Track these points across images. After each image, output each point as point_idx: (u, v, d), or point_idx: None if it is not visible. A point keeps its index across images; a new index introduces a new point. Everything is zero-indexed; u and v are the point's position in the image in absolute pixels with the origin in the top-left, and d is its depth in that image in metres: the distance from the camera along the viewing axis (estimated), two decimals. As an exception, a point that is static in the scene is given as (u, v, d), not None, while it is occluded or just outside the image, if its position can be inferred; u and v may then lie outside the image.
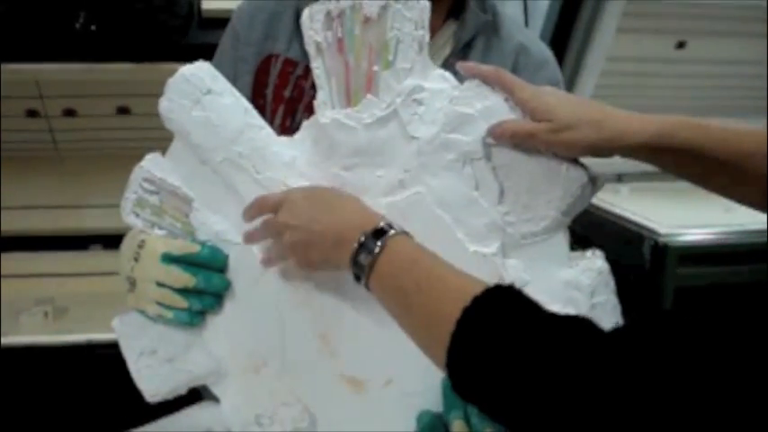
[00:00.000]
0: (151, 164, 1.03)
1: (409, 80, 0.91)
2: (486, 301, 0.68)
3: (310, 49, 0.94)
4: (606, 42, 2.14)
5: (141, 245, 1.01)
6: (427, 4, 0.91)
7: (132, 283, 1.01)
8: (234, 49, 1.12)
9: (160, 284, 0.99)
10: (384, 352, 0.93)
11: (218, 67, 1.12)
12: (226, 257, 1.00)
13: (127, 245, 1.04)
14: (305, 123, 0.98)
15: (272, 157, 0.97)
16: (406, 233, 0.80)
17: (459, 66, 0.90)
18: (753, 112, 2.35)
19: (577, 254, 0.88)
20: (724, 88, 2.42)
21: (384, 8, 0.91)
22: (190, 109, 0.98)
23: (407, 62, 0.91)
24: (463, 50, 1.06)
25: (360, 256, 0.80)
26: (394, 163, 0.91)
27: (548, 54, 1.12)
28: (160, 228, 1.03)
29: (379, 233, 0.80)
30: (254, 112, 1.00)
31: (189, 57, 1.96)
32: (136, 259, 1.00)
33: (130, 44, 1.92)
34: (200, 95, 0.98)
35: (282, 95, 1.08)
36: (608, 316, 0.86)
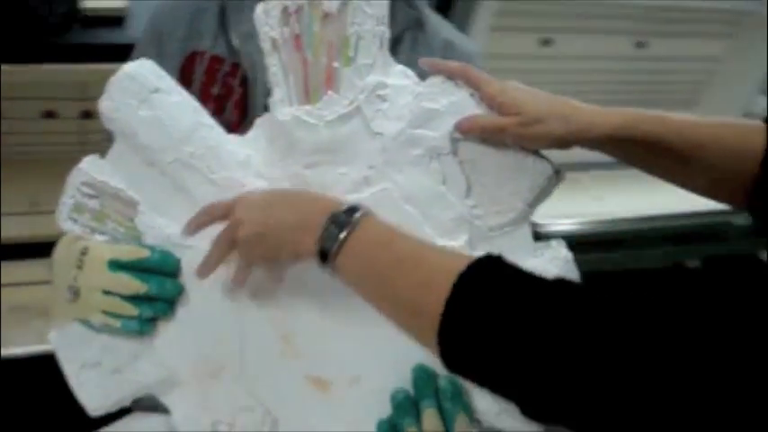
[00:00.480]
0: (90, 166, 0.98)
1: (372, 76, 0.91)
2: (475, 272, 0.70)
3: (265, 45, 0.93)
4: (481, 41, 2.21)
5: (84, 251, 0.96)
6: (386, 2, 0.91)
7: (75, 293, 0.96)
8: (155, 47, 1.10)
9: (107, 293, 0.95)
10: (350, 350, 0.93)
11: None
12: (178, 261, 0.96)
13: (64, 252, 0.99)
14: (258, 121, 0.97)
15: (226, 156, 0.94)
16: (371, 214, 0.79)
17: (423, 62, 0.91)
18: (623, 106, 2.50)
19: (542, 244, 0.91)
20: (593, 83, 2.55)
21: (344, 4, 0.91)
22: (136, 108, 0.94)
23: (369, 58, 0.91)
24: (391, 47, 1.07)
25: (326, 235, 0.78)
26: (357, 160, 0.91)
27: (472, 48, 1.15)
28: (101, 233, 0.98)
29: (349, 212, 0.78)
30: (204, 111, 0.97)
31: (70, 57, 1.88)
32: (79, 267, 0.95)
33: (5, 44, 1.81)
34: (147, 94, 0.94)
35: (210, 93, 1.07)
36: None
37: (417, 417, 0.87)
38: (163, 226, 0.97)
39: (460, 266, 0.70)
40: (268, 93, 1.03)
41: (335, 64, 0.92)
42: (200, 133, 0.95)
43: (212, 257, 0.91)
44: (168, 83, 0.96)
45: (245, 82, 1.07)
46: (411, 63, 1.05)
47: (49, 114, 2.15)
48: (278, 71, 0.93)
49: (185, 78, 1.08)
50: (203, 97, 1.07)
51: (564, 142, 0.86)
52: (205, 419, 0.97)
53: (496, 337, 0.67)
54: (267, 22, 0.92)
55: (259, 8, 0.93)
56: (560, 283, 0.69)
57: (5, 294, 2.03)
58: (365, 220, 0.78)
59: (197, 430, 0.98)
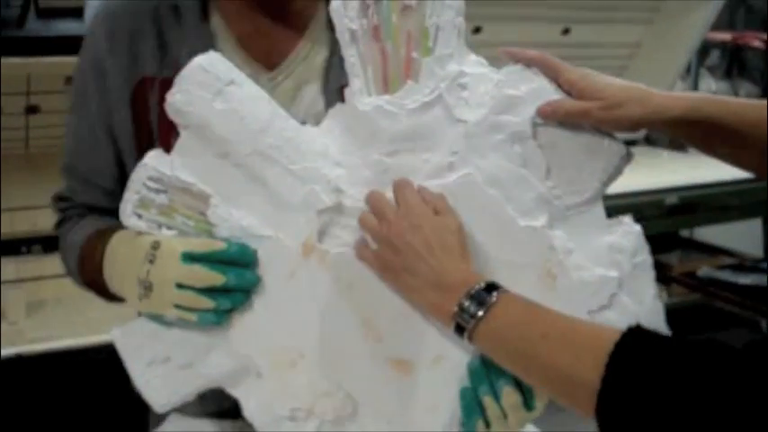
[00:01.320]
0: (156, 161, 0.98)
1: (452, 66, 0.94)
2: (628, 344, 0.75)
3: (343, 36, 0.95)
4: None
5: (156, 245, 0.95)
6: None
7: (147, 288, 0.95)
8: (97, 80, 1.07)
9: (180, 286, 0.94)
10: (432, 330, 0.96)
11: (84, 102, 1.08)
12: (255, 253, 0.97)
13: (128, 248, 0.98)
14: (331, 111, 0.99)
15: (303, 146, 0.96)
16: (511, 293, 0.86)
17: (504, 51, 0.95)
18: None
19: (614, 220, 0.97)
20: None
21: None
22: (210, 101, 0.94)
23: (449, 48, 0.94)
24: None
25: (464, 312, 0.84)
26: (440, 146, 0.94)
27: None
28: (169, 228, 0.98)
29: (488, 290, 0.84)
30: (276, 102, 0.98)
31: (27, 49, 1.82)
32: (151, 261, 0.95)
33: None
34: (222, 86, 0.95)
35: (170, 122, 1.03)
36: (646, 273, 0.96)
37: (492, 386, 0.92)
38: (238, 217, 0.97)
39: (610, 339, 0.75)
40: None
41: (414, 54, 0.94)
42: (277, 124, 0.96)
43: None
44: (240, 75, 0.97)
45: None
46: None
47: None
48: (356, 62, 0.95)
49: (140, 108, 1.05)
50: (162, 127, 1.04)
51: (639, 125, 0.92)
52: (282, 408, 0.98)
53: (658, 408, 0.71)
54: (345, 14, 0.94)
55: (336, 2, 0.95)
56: (710, 346, 0.73)
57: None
58: (503, 297, 0.84)
59: (273, 419, 0.99)
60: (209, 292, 0.95)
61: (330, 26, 1.06)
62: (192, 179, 0.97)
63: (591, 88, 0.91)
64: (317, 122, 1.01)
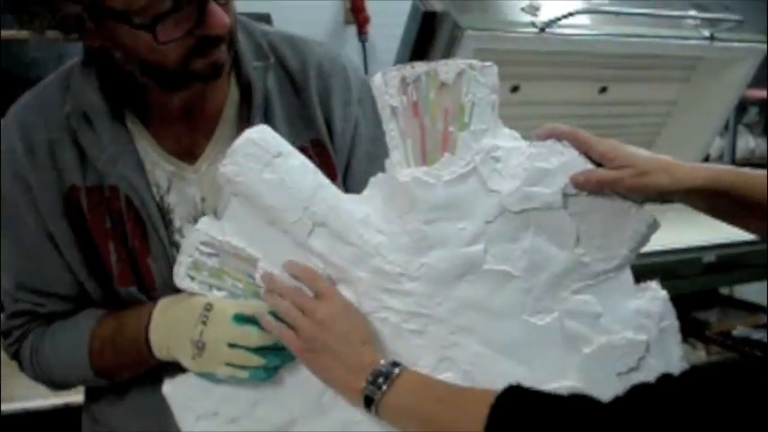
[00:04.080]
0: (208, 227, 1.04)
1: (486, 140, 1.00)
2: (507, 400, 0.85)
3: (384, 112, 1.01)
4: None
5: (209, 308, 1.01)
6: (496, 71, 1.01)
7: (200, 348, 1.01)
8: (25, 194, 1.06)
9: (232, 346, 1.00)
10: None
11: (17, 216, 1.07)
12: None
13: (182, 310, 1.05)
14: (372, 180, 1.04)
15: (345, 215, 1.02)
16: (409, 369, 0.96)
17: (537, 134, 1.00)
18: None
19: (641, 286, 1.01)
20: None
21: (459, 74, 1.00)
22: (260, 171, 1.01)
23: (484, 123, 1.00)
24: (261, 110, 1.09)
25: (368, 390, 0.94)
26: (475, 215, 0.99)
27: (343, 61, 1.17)
28: (219, 289, 1.04)
29: (386, 371, 0.95)
30: (320, 172, 1.04)
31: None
32: (204, 323, 1.01)
33: None
34: (271, 158, 1.01)
35: (104, 229, 1.07)
36: (672, 336, 1.00)
37: None
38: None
39: (492, 396, 0.85)
40: (159, 207, 1.08)
41: (451, 128, 1.00)
42: (322, 194, 1.02)
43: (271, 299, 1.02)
44: (287, 147, 1.03)
45: (131, 205, 1.06)
46: (287, 115, 1.12)
47: None
48: (396, 135, 1.01)
49: (74, 217, 1.06)
50: (100, 237, 1.06)
51: (666, 193, 0.96)
52: None
53: None
54: (387, 90, 1.00)
55: (377, 78, 1.01)
56: (580, 401, 0.82)
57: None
58: (405, 371, 0.95)
59: None
60: (260, 350, 1.01)
61: (244, 104, 1.09)
62: (241, 244, 1.03)
63: (621, 158, 0.96)
64: None
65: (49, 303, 1.12)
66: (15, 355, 1.16)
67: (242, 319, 1.00)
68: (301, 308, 0.99)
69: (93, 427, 1.25)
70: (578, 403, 0.82)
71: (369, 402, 0.93)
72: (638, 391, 0.81)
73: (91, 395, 1.24)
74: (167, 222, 1.09)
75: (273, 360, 1.01)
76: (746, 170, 1.00)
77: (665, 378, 0.82)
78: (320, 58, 1.13)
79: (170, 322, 1.06)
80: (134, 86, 1.03)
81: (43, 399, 1.91)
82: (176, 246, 1.09)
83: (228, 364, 1.01)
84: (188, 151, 1.09)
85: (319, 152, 1.13)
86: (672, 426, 0.75)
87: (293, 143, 1.04)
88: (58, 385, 1.19)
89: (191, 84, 1.00)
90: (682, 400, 0.77)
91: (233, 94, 1.11)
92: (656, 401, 0.78)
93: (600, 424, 0.78)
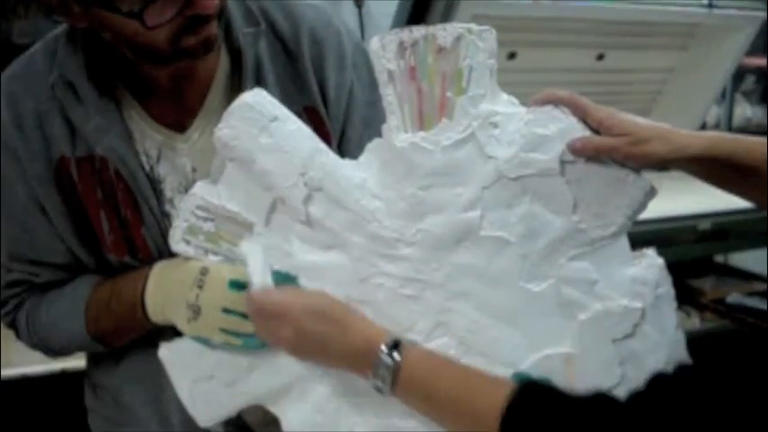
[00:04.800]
0: (204, 191, 1.04)
1: (484, 105, 0.99)
2: (521, 398, 0.82)
3: (381, 76, 1.00)
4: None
5: (204, 272, 1.01)
6: (495, 35, 1.00)
7: (196, 311, 1.01)
8: (17, 168, 1.06)
9: (227, 311, 1.00)
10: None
11: (8, 186, 1.07)
12: (296, 282, 1.02)
13: (179, 273, 1.04)
14: (369, 146, 1.04)
15: (343, 180, 1.01)
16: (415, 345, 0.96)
17: (535, 100, 1.00)
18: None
19: (637, 253, 1.01)
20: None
21: (457, 38, 0.99)
22: (256, 136, 1.00)
23: (481, 89, 0.99)
24: (253, 76, 1.07)
25: (379, 369, 0.91)
26: (472, 182, 0.99)
27: (337, 25, 1.15)
28: (215, 254, 1.04)
29: (393, 347, 0.92)
30: (317, 137, 1.03)
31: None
32: (200, 287, 1.01)
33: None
34: (267, 122, 1.00)
35: (96, 199, 1.06)
36: (668, 304, 1.00)
37: None
38: (281, 244, 1.02)
39: (505, 395, 0.82)
40: (149, 177, 1.08)
41: (449, 94, 0.99)
42: (319, 159, 1.01)
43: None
44: (284, 111, 1.03)
45: (120, 175, 1.05)
46: (279, 81, 1.11)
47: None
48: (393, 100, 1.00)
49: (65, 187, 1.05)
50: (92, 207, 1.06)
51: (664, 161, 0.96)
52: (325, 422, 1.03)
53: None
54: (384, 54, 0.99)
55: (375, 42, 1.00)
56: (597, 401, 0.80)
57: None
58: (409, 351, 0.93)
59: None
60: None
61: (236, 73, 1.09)
62: (237, 208, 1.03)
63: (618, 126, 0.96)
64: None
65: (44, 273, 1.13)
66: (12, 324, 1.17)
67: (238, 284, 1.00)
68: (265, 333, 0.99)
69: (93, 391, 1.26)
70: (598, 403, 0.80)
71: (378, 386, 0.93)
72: (656, 387, 0.79)
73: (91, 360, 1.25)
74: (158, 193, 1.09)
75: (252, 341, 1.01)
76: (744, 137, 1.00)
77: (683, 370, 0.80)
78: (313, 23, 1.11)
79: (166, 285, 1.06)
80: (121, 59, 1.02)
81: (41, 364, 1.92)
82: (167, 216, 1.09)
83: (223, 330, 1.01)
84: (178, 121, 1.08)
85: (313, 118, 1.12)
86: (695, 425, 0.73)
87: None
88: (56, 352, 1.19)
89: (181, 61, 0.99)
90: (703, 397, 0.74)
91: (223, 62, 1.09)
92: (676, 399, 0.75)
93: (620, 426, 0.76)
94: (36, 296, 1.14)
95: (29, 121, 1.04)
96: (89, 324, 1.11)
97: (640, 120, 0.98)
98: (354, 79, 1.15)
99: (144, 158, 1.07)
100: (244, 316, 1.01)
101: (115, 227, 1.07)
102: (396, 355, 0.90)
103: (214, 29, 0.98)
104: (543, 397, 0.83)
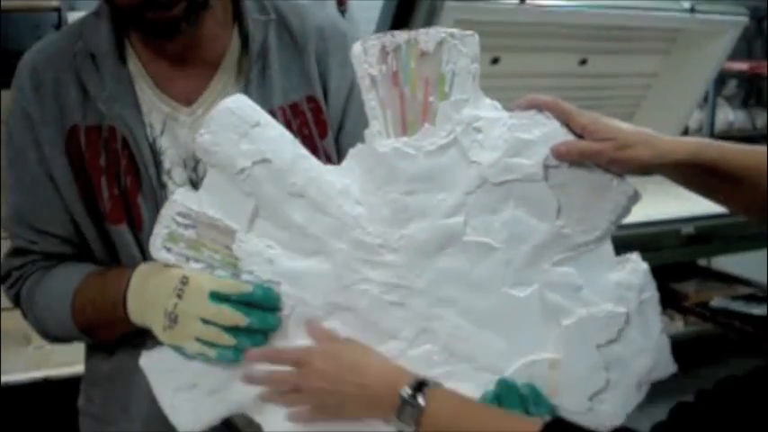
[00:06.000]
0: (184, 197, 1.03)
1: (467, 110, 0.99)
2: None
3: (364, 81, 0.99)
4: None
5: (185, 281, 1.00)
6: (477, 40, 0.99)
7: (173, 320, 1.00)
8: (30, 130, 1.11)
9: (206, 322, 0.99)
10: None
11: (20, 152, 1.12)
12: (278, 298, 1.01)
13: (159, 279, 1.03)
14: (351, 152, 1.03)
15: (326, 186, 1.00)
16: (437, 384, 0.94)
17: (519, 104, 0.99)
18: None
19: (622, 258, 1.00)
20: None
21: (440, 43, 0.98)
22: (237, 142, 0.99)
23: (464, 93, 0.99)
24: (258, 62, 1.12)
25: (404, 411, 0.90)
26: (455, 187, 0.98)
27: (344, 27, 1.20)
28: (196, 261, 1.03)
29: (417, 387, 0.91)
30: (299, 142, 1.03)
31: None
32: (179, 296, 1.00)
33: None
34: (248, 128, 1.00)
35: (99, 165, 1.10)
36: (653, 308, 1.00)
37: None
38: (263, 251, 1.01)
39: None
40: (152, 148, 1.10)
41: (431, 99, 0.99)
42: (301, 165, 1.01)
43: (272, 396, 1.02)
44: (265, 117, 1.02)
45: (126, 144, 1.09)
46: (283, 69, 1.14)
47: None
48: (376, 106, 1.00)
49: (75, 157, 1.10)
50: (94, 172, 1.10)
51: (647, 167, 0.96)
52: (306, 430, 1.02)
53: None
54: (366, 59, 0.99)
55: (357, 47, 0.99)
56: None
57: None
58: (433, 391, 0.91)
59: None
60: (232, 330, 0.99)
61: (244, 57, 1.13)
62: (218, 215, 1.02)
63: (602, 131, 0.96)
64: None
65: (42, 242, 1.15)
66: (16, 301, 1.19)
67: (218, 296, 0.99)
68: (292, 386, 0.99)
69: (85, 391, 1.27)
70: None
71: (404, 422, 0.92)
72: (679, 418, 0.77)
73: (86, 355, 1.26)
74: (158, 164, 1.11)
75: (244, 341, 1.00)
76: (729, 144, 1.00)
77: (704, 401, 0.78)
78: (320, 21, 1.17)
79: (147, 290, 1.05)
80: (137, 34, 1.09)
81: (24, 372, 1.93)
82: (164, 187, 1.11)
83: (198, 340, 1.00)
84: (185, 96, 1.12)
85: (313, 107, 1.15)
86: None
87: (287, 97, 1.11)
88: (51, 337, 1.20)
89: (151, 35, 1.06)
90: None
91: (234, 45, 1.13)
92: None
93: None
94: (38, 274, 1.16)
95: (47, 89, 1.09)
96: (75, 314, 1.12)
97: (624, 125, 0.97)
98: (355, 77, 1.16)
99: (149, 130, 1.10)
100: (222, 327, 0.99)
101: (114, 194, 1.09)
102: (420, 398, 0.90)
103: (175, 13, 1.01)
104: None
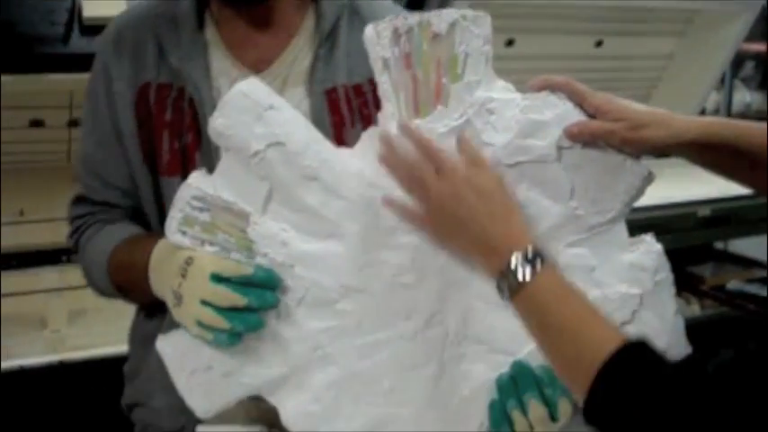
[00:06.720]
0: (199, 181, 1.03)
1: (479, 91, 0.99)
2: (619, 361, 0.79)
3: (377, 64, 0.99)
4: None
5: (189, 261, 1.01)
6: (490, 21, 0.99)
7: (179, 299, 1.01)
8: (106, 85, 1.18)
9: (204, 303, 0.99)
10: None
11: (95, 104, 1.20)
12: (280, 280, 1.01)
13: (168, 260, 1.04)
14: (365, 134, 1.03)
15: (338, 168, 1.01)
16: (554, 264, 0.89)
17: (532, 85, 0.99)
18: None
19: (636, 239, 1.00)
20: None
21: (452, 25, 0.98)
22: (251, 125, 0.99)
23: (477, 75, 0.98)
24: (328, 40, 1.16)
25: (508, 276, 0.87)
26: None
27: None
28: (211, 244, 1.03)
29: (531, 260, 0.87)
30: (313, 127, 1.03)
31: (70, 66, 1.89)
32: (183, 275, 1.00)
33: (8, 55, 1.81)
34: (262, 111, 1.00)
35: (164, 120, 1.15)
36: (667, 290, 1.00)
37: (520, 400, 0.96)
38: (277, 234, 1.02)
39: (607, 351, 0.79)
40: (215, 108, 1.10)
41: (444, 80, 0.99)
42: (314, 147, 1.01)
43: (400, 174, 0.97)
44: (279, 100, 1.02)
45: (192, 103, 1.14)
46: (350, 51, 1.16)
47: (37, 123, 2.15)
48: (388, 88, 1.00)
49: (141, 111, 1.16)
50: (158, 126, 1.15)
51: (662, 147, 0.95)
52: (323, 412, 1.03)
53: (633, 417, 0.77)
54: (378, 42, 0.99)
55: (369, 29, 0.99)
56: (688, 372, 0.78)
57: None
58: (543, 272, 0.87)
59: (310, 422, 1.03)
60: (232, 312, 0.99)
61: (317, 34, 1.17)
62: (233, 198, 1.02)
63: (615, 111, 0.95)
64: None
65: (103, 192, 1.21)
66: (76, 249, 1.25)
67: (219, 278, 0.99)
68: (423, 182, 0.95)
69: (128, 363, 1.30)
70: (694, 378, 0.77)
71: (502, 287, 0.89)
72: (743, 359, 0.77)
73: (137, 312, 1.30)
74: None
75: (238, 324, 0.99)
76: (744, 123, 0.99)
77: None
78: (389, 13, 1.17)
79: (161, 267, 1.06)
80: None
81: (40, 356, 1.94)
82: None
83: (199, 324, 1.00)
84: (255, 63, 1.16)
85: (374, 90, 1.13)
86: None
87: (351, 78, 1.14)
88: (97, 291, 1.24)
89: (231, 3, 1.13)
90: None
91: (309, 21, 1.18)
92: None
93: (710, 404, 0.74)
94: (95, 227, 1.22)
95: (127, 47, 1.16)
96: (111, 274, 1.18)
97: (637, 105, 0.97)
98: None
99: (215, 92, 1.14)
100: (218, 310, 0.99)
101: (175, 148, 1.15)
102: (528, 270, 0.87)
103: None
104: (641, 362, 0.80)
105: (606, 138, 0.95)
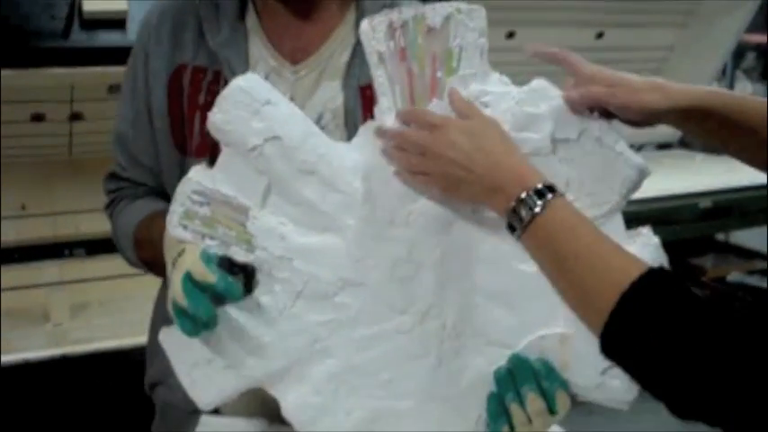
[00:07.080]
0: (199, 175, 1.03)
1: (474, 85, 0.99)
2: (644, 285, 0.79)
3: (372, 58, 1.00)
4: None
5: (181, 253, 1.01)
6: (485, 15, 0.99)
7: (169, 285, 1.02)
8: (144, 64, 1.20)
9: (174, 303, 0.99)
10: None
11: (133, 83, 1.23)
12: (241, 294, 1.00)
13: (168, 246, 1.05)
14: (362, 128, 1.03)
15: (335, 162, 1.01)
16: (564, 196, 0.89)
17: (528, 52, 0.99)
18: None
19: (633, 232, 1.00)
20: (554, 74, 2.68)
21: (447, 18, 0.98)
22: (248, 120, 1.00)
23: (472, 68, 0.99)
24: None
25: (519, 210, 0.88)
26: None
27: None
28: (212, 238, 1.03)
29: (541, 193, 0.88)
30: (310, 121, 1.03)
31: (71, 60, 1.89)
32: (174, 264, 1.02)
33: (7, 49, 1.82)
34: (259, 106, 1.00)
35: (197, 102, 1.17)
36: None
37: (518, 392, 0.97)
38: (276, 228, 1.02)
39: (634, 274, 0.80)
40: None
41: (439, 74, 0.99)
42: (312, 142, 1.01)
43: (394, 153, 0.98)
44: (276, 95, 1.02)
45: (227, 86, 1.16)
46: None
47: (38, 117, 2.15)
48: (384, 82, 1.00)
49: (174, 91, 1.18)
50: (191, 107, 1.17)
51: (659, 112, 0.95)
52: (323, 403, 1.03)
53: (652, 345, 0.77)
54: (374, 36, 0.99)
55: (364, 24, 1.00)
56: (714, 306, 0.77)
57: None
58: (554, 203, 0.87)
59: (310, 414, 1.04)
60: (181, 312, 0.98)
61: (357, 30, 1.12)
62: (232, 192, 1.03)
63: (610, 78, 0.95)
64: (334, 117, 1.14)
65: (132, 169, 1.25)
66: (111, 220, 1.29)
67: (188, 278, 0.98)
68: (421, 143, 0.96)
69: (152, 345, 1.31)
70: (719, 312, 0.76)
71: (514, 223, 0.89)
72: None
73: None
74: None
75: (187, 326, 0.98)
76: (741, 94, 0.99)
77: None
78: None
79: (168, 252, 1.06)
80: None
81: (42, 350, 1.95)
82: None
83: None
84: (293, 54, 1.17)
85: None
86: None
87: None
88: (131, 264, 1.27)
89: None
90: None
91: (350, 18, 1.19)
92: None
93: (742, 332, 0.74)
94: (126, 201, 1.26)
95: (167, 28, 1.18)
96: (137, 248, 1.22)
97: (631, 74, 0.97)
98: None
99: None
100: (176, 309, 0.98)
101: (205, 131, 1.10)
102: (539, 203, 0.87)
103: None
104: (668, 287, 0.79)
105: (607, 100, 0.95)
